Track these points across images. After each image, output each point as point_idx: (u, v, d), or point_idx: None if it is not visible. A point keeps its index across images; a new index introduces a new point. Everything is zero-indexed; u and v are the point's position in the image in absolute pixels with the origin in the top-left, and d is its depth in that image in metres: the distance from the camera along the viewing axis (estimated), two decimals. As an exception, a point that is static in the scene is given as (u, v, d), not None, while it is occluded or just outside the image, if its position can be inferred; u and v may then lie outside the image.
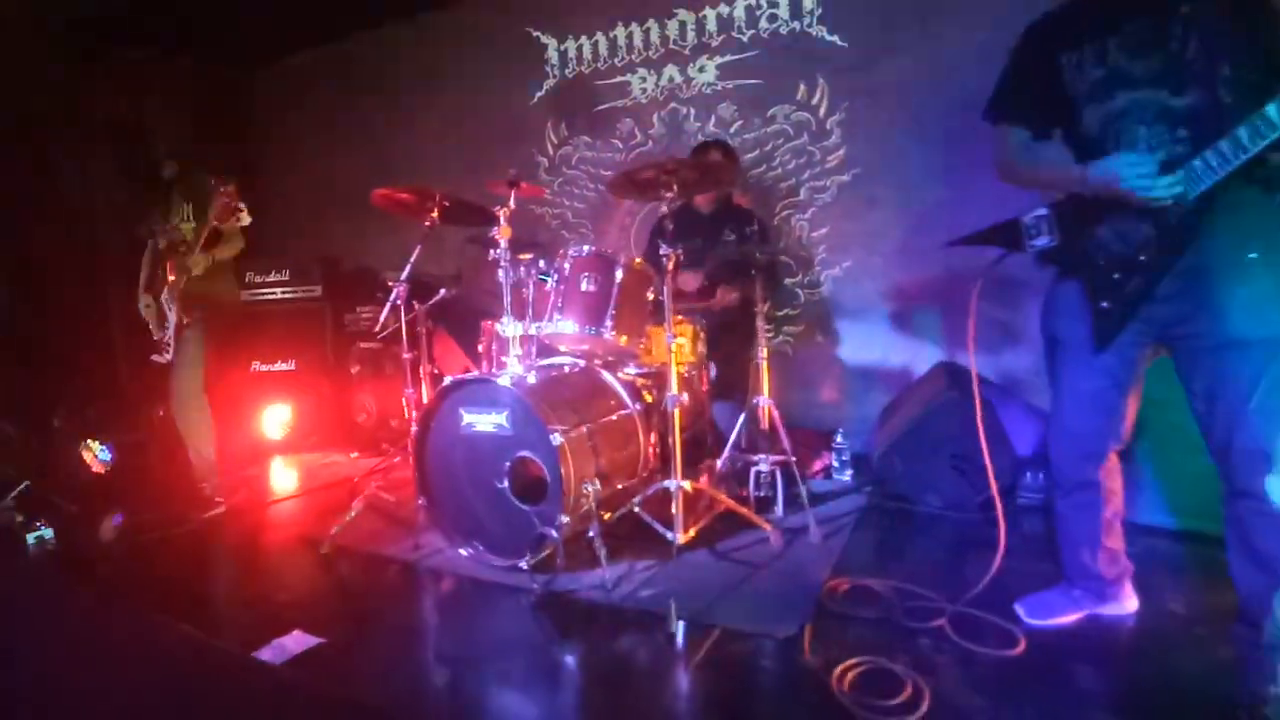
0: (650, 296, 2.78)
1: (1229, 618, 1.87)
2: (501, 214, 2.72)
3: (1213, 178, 1.56)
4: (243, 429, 4.58)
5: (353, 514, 2.96)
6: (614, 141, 4.51)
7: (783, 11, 3.93)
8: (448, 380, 2.65)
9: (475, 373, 2.88)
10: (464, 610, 2.45)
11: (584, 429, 2.57)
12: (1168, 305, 1.71)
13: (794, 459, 2.86)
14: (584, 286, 2.65)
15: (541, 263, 2.76)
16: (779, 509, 2.95)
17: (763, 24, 3.99)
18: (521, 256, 2.79)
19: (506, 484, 2.55)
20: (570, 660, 2.08)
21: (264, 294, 4.92)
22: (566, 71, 4.63)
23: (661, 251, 2.48)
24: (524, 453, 2.52)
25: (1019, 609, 2.10)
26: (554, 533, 2.43)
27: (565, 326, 2.67)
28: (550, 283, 2.73)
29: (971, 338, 2.06)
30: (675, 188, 2.59)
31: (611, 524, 2.72)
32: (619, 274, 2.64)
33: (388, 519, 3.17)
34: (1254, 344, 1.62)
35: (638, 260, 2.71)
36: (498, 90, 4.88)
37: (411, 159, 5.23)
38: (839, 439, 3.47)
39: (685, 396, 2.57)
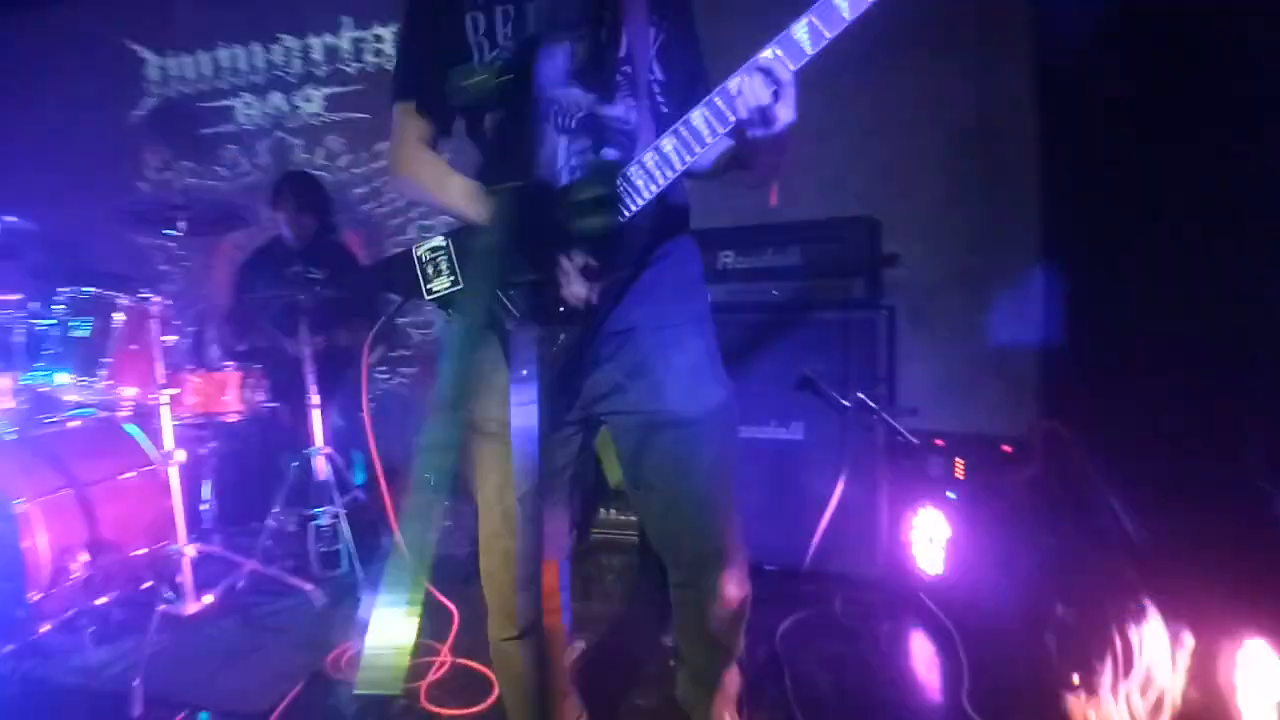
0: (172, 339, 2.53)
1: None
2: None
3: (637, 200, 1.17)
4: None
5: None
6: (219, 169, 4.19)
7: (387, 47, 3.87)
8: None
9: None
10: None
11: (70, 492, 2.27)
12: (597, 371, 1.31)
13: (345, 511, 2.72)
14: (77, 332, 2.36)
15: (36, 305, 2.42)
16: (342, 564, 2.79)
17: (369, 58, 3.91)
18: (8, 297, 2.43)
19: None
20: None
21: None
22: (168, 91, 4.23)
23: (141, 294, 2.28)
24: (-14, 525, 2.17)
25: None
26: (22, 614, 2.12)
27: (58, 376, 2.36)
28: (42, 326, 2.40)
29: (365, 392, 2.01)
30: (185, 224, 2.40)
31: (126, 596, 2.45)
32: (118, 315, 2.37)
33: None
34: (694, 422, 1.32)
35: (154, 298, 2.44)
36: (96, 106, 4.31)
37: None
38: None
39: (182, 453, 2.34)
